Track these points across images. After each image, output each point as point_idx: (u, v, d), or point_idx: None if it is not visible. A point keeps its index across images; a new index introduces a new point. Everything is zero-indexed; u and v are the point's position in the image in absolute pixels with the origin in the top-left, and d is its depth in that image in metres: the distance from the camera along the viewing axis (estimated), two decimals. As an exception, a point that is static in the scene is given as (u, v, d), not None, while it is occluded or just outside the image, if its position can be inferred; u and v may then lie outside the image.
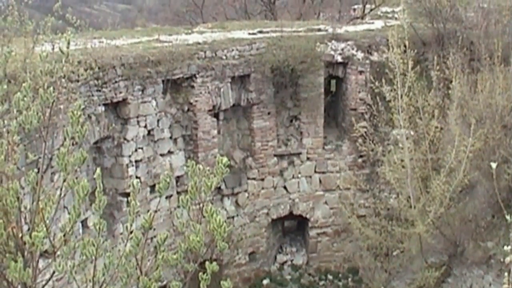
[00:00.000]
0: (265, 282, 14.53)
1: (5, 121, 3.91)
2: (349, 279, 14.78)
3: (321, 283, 14.79)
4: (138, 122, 11.55)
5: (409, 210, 11.08)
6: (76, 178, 3.21)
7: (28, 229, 3.26)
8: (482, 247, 10.64)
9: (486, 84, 11.08)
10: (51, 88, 3.36)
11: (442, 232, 11.19)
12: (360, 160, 14.57)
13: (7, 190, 3.24)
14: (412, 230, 11.04)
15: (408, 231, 11.22)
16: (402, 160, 11.14)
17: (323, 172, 14.72)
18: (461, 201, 11.22)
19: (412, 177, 10.92)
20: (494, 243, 10.52)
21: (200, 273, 3.24)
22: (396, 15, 15.27)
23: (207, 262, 3.28)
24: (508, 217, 4.73)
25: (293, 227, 15.93)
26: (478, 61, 12.75)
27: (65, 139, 3.30)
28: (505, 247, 3.68)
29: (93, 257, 3.09)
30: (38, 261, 3.23)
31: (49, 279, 3.33)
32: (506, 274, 3.61)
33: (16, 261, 3.02)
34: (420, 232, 10.70)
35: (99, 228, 3.12)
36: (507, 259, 3.59)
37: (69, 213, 3.24)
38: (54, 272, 3.14)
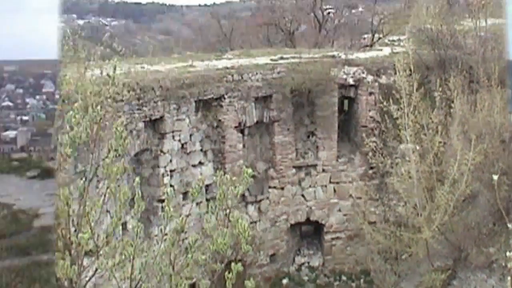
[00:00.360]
0: (284, 281, 14.31)
1: (59, 136, 3.96)
2: (361, 280, 14.43)
3: (336, 283, 14.48)
4: (173, 136, 11.64)
5: (416, 217, 10.81)
6: (118, 186, 3.21)
7: (75, 231, 3.27)
8: (485, 252, 10.28)
9: (485, 103, 10.84)
10: (99, 107, 3.39)
11: (447, 238, 10.86)
12: (370, 171, 14.35)
13: (59, 196, 3.26)
14: (419, 235, 10.75)
15: (415, 236, 10.93)
16: (409, 172, 10.92)
17: (337, 182, 14.53)
18: (464, 209, 10.88)
19: (418, 187, 10.68)
20: (496, 248, 10.16)
21: (226, 273, 3.19)
22: (402, 43, 15.11)
23: (232, 263, 3.22)
24: (509, 225, 4.54)
25: (310, 231, 15.70)
26: (477, 83, 12.48)
27: (109, 151, 3.31)
28: (508, 253, 3.51)
29: (131, 257, 3.07)
30: (83, 260, 3.22)
31: (92, 276, 3.32)
32: (509, 278, 3.44)
33: (63, 259, 3.02)
34: (427, 237, 10.41)
35: (137, 230, 3.11)
36: (510, 264, 3.42)
37: (111, 217, 3.24)
38: (96, 270, 3.13)
